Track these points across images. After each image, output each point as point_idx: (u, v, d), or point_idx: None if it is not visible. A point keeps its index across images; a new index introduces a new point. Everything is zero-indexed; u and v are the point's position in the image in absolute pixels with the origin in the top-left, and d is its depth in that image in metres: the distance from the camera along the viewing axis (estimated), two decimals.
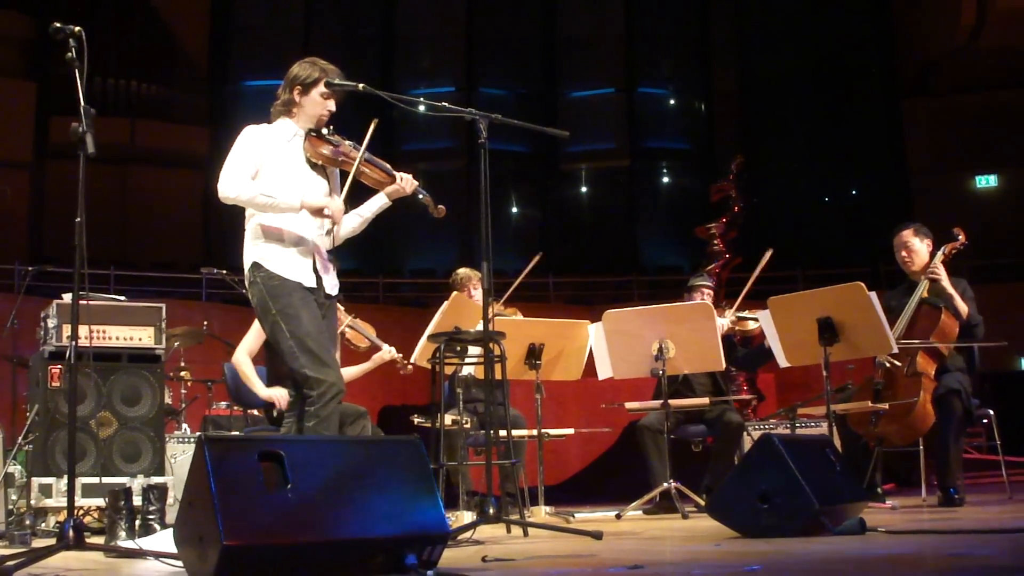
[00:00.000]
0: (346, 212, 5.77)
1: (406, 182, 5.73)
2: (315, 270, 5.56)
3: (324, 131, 5.67)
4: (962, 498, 7.24)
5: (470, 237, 24.75)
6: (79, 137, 4.75)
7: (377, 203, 5.80)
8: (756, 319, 8.27)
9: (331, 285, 5.68)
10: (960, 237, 7.75)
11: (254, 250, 5.53)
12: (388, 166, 5.76)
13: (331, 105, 5.66)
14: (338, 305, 7.69)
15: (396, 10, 27.32)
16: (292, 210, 5.45)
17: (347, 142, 5.67)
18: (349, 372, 7.95)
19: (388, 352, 7.95)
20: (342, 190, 5.71)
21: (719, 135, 27.24)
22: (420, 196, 5.77)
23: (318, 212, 5.49)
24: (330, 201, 5.52)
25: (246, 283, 5.57)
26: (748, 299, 8.55)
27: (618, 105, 27.55)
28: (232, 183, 5.43)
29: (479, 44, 27.40)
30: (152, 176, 23.42)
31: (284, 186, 5.50)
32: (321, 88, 5.62)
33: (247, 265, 5.55)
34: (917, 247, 7.77)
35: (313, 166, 5.65)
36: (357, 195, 5.78)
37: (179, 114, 23.66)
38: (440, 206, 5.76)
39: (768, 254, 8.46)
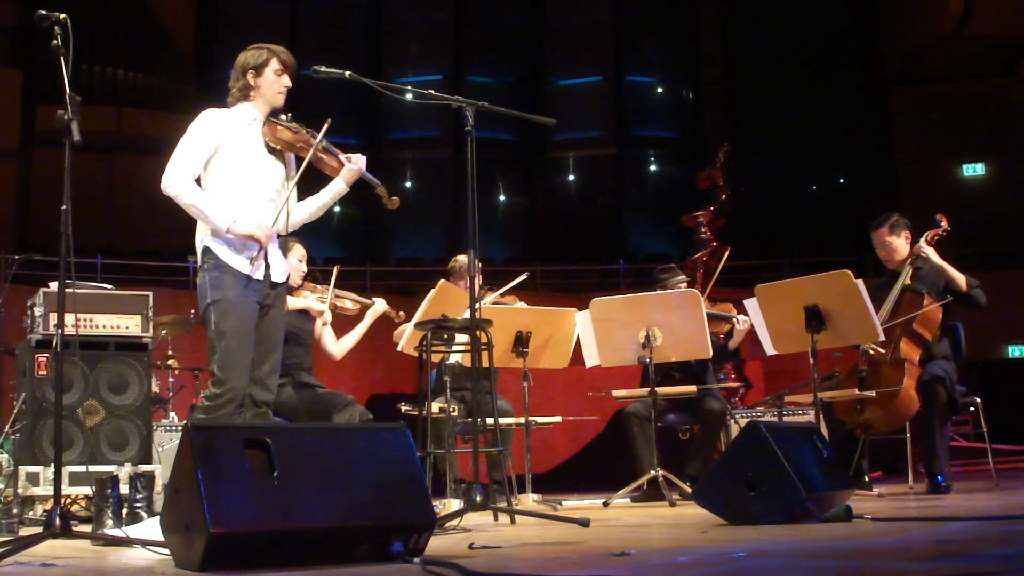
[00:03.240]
0: (301, 199, 5.86)
1: (357, 160, 5.80)
2: (265, 258, 5.58)
3: (283, 117, 5.72)
4: (949, 485, 7.26)
5: (457, 225, 24.72)
6: (65, 125, 4.74)
7: (334, 189, 5.85)
8: (729, 317, 8.27)
9: (279, 272, 5.71)
10: (943, 224, 7.77)
11: (208, 236, 5.55)
12: (342, 154, 5.78)
13: (286, 80, 5.72)
14: (316, 286, 7.74)
15: None
16: (220, 230, 5.46)
17: (304, 129, 5.70)
18: (349, 339, 7.97)
19: (380, 305, 7.95)
20: (296, 174, 5.75)
21: (706, 123, 27.23)
22: (375, 187, 5.81)
23: (247, 238, 5.49)
24: (256, 230, 5.49)
25: (197, 265, 5.61)
26: (735, 288, 8.56)
27: (605, 93, 27.52)
28: (175, 181, 5.46)
29: (466, 32, 27.34)
30: (139, 164, 23.23)
31: (241, 171, 5.56)
32: (274, 66, 5.68)
33: (199, 249, 5.58)
34: (895, 244, 7.77)
35: (271, 150, 5.69)
36: (316, 181, 5.83)
37: (166, 102, 23.54)
38: (394, 197, 5.82)
39: (726, 253, 8.48)
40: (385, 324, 8.00)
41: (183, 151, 5.52)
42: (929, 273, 7.65)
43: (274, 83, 5.68)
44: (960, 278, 7.55)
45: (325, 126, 5.69)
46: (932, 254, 7.60)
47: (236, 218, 5.47)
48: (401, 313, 8.02)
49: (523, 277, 8.51)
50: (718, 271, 8.61)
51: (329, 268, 7.87)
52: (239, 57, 5.75)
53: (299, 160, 5.74)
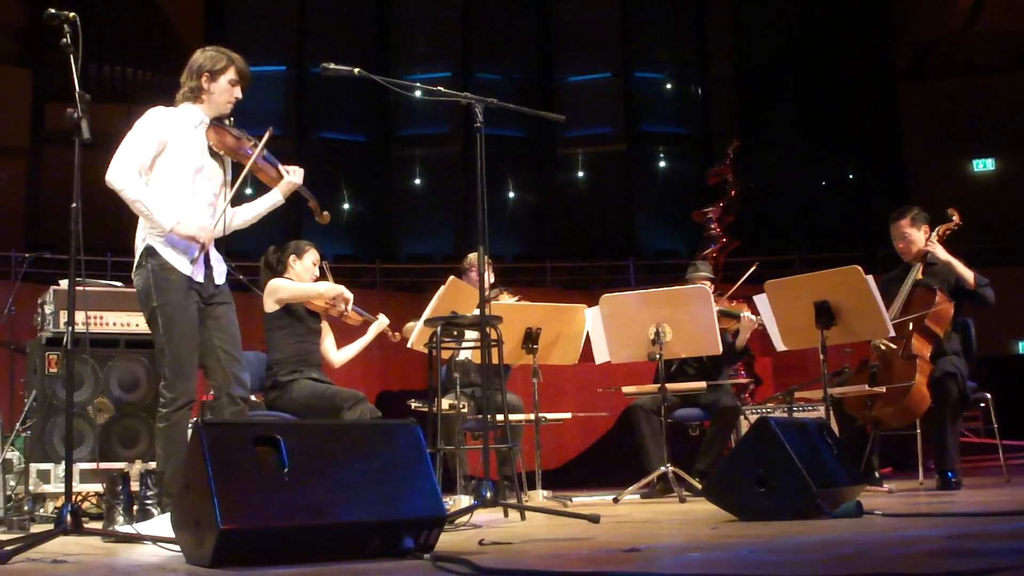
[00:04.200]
0: (237, 205, 5.85)
1: (295, 174, 5.80)
2: (206, 262, 5.59)
3: (227, 122, 5.71)
4: (959, 482, 7.24)
5: (467, 222, 24.74)
6: (74, 123, 4.75)
7: (270, 200, 5.85)
8: (738, 315, 8.28)
9: (219, 273, 5.71)
10: (954, 217, 7.76)
11: (149, 234, 5.53)
12: (281, 166, 5.79)
13: (238, 92, 5.71)
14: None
15: None
16: (163, 230, 5.44)
17: (247, 137, 5.70)
18: (349, 350, 7.96)
19: (381, 322, 7.93)
20: (235, 182, 5.75)
21: (715, 119, 27.22)
22: (309, 200, 5.84)
23: (189, 239, 5.48)
24: (199, 232, 5.48)
25: (134, 265, 5.60)
26: (745, 283, 8.56)
27: (614, 90, 27.52)
28: (120, 175, 5.42)
29: (475, 29, 27.36)
30: None
31: (183, 172, 5.54)
32: (230, 75, 5.67)
33: (139, 249, 5.56)
34: (914, 236, 7.75)
35: (213, 155, 5.68)
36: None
37: (175, 100, 23.49)
38: (325, 212, 5.86)
39: (753, 267, 8.50)
40: (395, 320, 7.98)
41: (130, 146, 5.49)
42: (942, 270, 7.64)
43: (226, 91, 5.67)
44: (969, 275, 7.54)
45: (266, 135, 5.70)
46: (940, 251, 7.59)
47: (180, 219, 5.46)
48: (397, 334, 7.98)
49: (523, 294, 8.53)
50: (743, 279, 8.59)
51: (337, 266, 7.85)
52: (196, 56, 5.74)
53: (238, 167, 5.74)
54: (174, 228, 5.43)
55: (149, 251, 5.51)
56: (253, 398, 8.36)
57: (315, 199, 5.84)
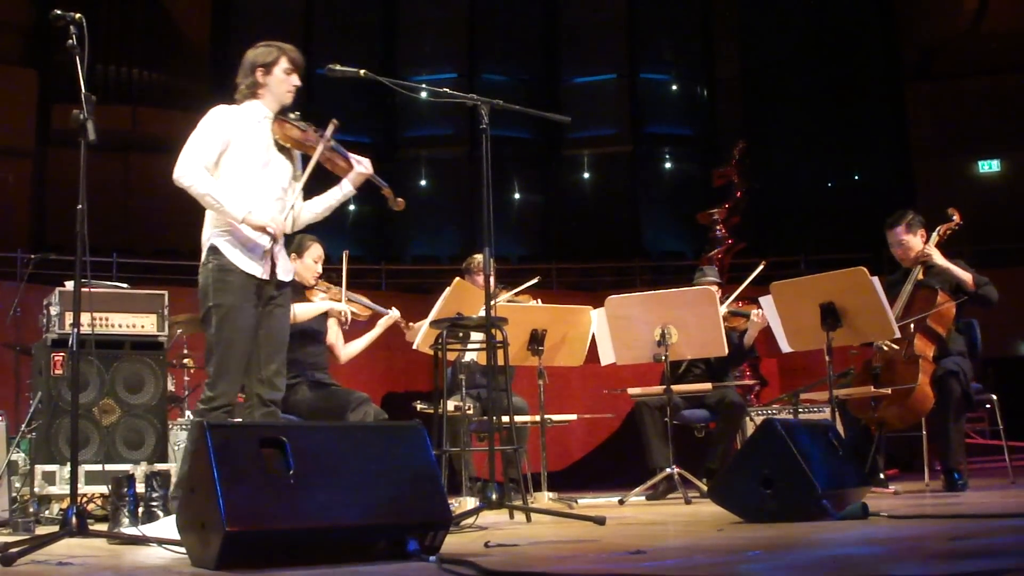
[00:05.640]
0: (307, 198, 5.86)
1: (364, 163, 5.81)
2: (272, 258, 5.60)
3: (291, 115, 5.72)
4: (965, 483, 7.24)
5: (472, 223, 24.74)
6: (80, 124, 4.75)
7: (342, 190, 5.85)
8: (748, 315, 8.29)
9: (285, 272, 5.73)
10: (955, 217, 7.76)
11: (213, 233, 5.58)
12: (351, 156, 5.79)
13: (295, 79, 5.73)
14: (330, 285, 7.73)
15: None
16: (235, 220, 5.48)
17: (313, 128, 5.71)
18: (356, 345, 7.97)
19: (391, 316, 7.93)
20: (304, 173, 5.77)
21: (721, 120, 27.21)
22: (381, 188, 5.82)
23: (260, 229, 5.50)
24: (271, 222, 5.52)
25: (200, 263, 5.63)
26: (752, 284, 8.55)
27: (620, 91, 27.52)
28: (188, 171, 5.46)
29: (481, 30, 27.36)
30: (154, 163, 23.24)
31: (251, 168, 5.56)
32: (283, 65, 5.69)
33: (204, 247, 5.61)
34: (911, 242, 7.73)
35: (280, 148, 5.71)
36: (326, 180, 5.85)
37: (181, 101, 23.56)
38: (399, 199, 5.83)
39: (762, 266, 8.49)
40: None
41: (195, 143, 5.53)
42: (942, 271, 7.63)
43: (283, 81, 5.69)
44: (967, 277, 7.52)
45: (332, 126, 5.70)
46: (938, 256, 7.57)
47: (251, 208, 5.48)
48: (412, 324, 7.99)
49: (535, 280, 8.49)
50: (751, 278, 8.58)
51: (342, 267, 7.83)
52: (248, 54, 5.77)
53: (306, 159, 5.76)
54: (245, 218, 5.47)
55: (212, 250, 5.56)
56: None
57: (388, 186, 5.84)
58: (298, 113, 5.75)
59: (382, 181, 5.84)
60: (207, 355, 5.59)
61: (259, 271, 5.55)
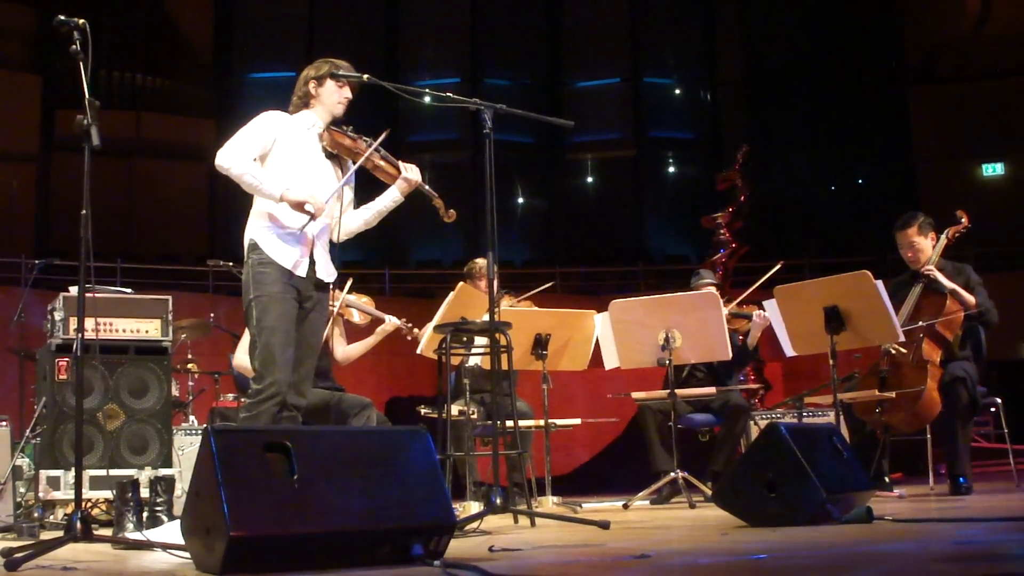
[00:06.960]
0: (357, 207, 5.91)
1: (412, 171, 5.85)
2: (311, 257, 5.62)
3: (343, 127, 5.79)
4: (970, 487, 7.23)
5: (476, 228, 24.71)
6: (84, 130, 4.76)
7: (388, 198, 5.92)
8: (750, 316, 8.29)
9: (326, 272, 5.75)
10: (963, 220, 7.75)
11: (255, 230, 5.62)
12: (401, 164, 5.83)
13: (347, 92, 5.81)
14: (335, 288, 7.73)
15: (400, 1, 27.29)
16: (272, 198, 5.51)
17: (363, 138, 5.75)
18: (355, 348, 7.98)
19: (391, 322, 7.93)
20: (348, 175, 5.82)
21: (724, 124, 27.19)
22: (432, 199, 5.86)
23: (298, 206, 5.50)
24: (310, 197, 5.51)
25: (244, 259, 5.67)
26: (757, 289, 8.56)
27: (623, 95, 27.51)
28: (230, 154, 5.52)
29: (484, 34, 27.36)
30: (158, 169, 23.42)
31: (296, 171, 5.60)
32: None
33: (246, 242, 5.64)
34: (922, 245, 7.72)
35: (328, 156, 5.77)
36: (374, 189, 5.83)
37: (184, 106, 23.66)
38: (451, 210, 5.86)
39: (778, 265, 8.49)
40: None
41: (241, 135, 5.60)
42: (951, 274, 7.60)
43: (335, 92, 5.77)
44: (970, 300, 7.50)
45: (383, 135, 5.75)
46: (942, 278, 7.53)
47: (289, 186, 5.50)
48: (415, 330, 7.99)
49: (548, 285, 8.50)
50: (765, 278, 8.58)
51: (346, 272, 7.84)
52: (303, 71, 5.86)
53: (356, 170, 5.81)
54: (283, 195, 5.49)
55: (252, 247, 5.61)
56: None
57: (438, 196, 5.86)
58: (351, 126, 5.80)
59: (431, 191, 5.87)
60: (251, 352, 5.60)
61: (297, 265, 5.57)
